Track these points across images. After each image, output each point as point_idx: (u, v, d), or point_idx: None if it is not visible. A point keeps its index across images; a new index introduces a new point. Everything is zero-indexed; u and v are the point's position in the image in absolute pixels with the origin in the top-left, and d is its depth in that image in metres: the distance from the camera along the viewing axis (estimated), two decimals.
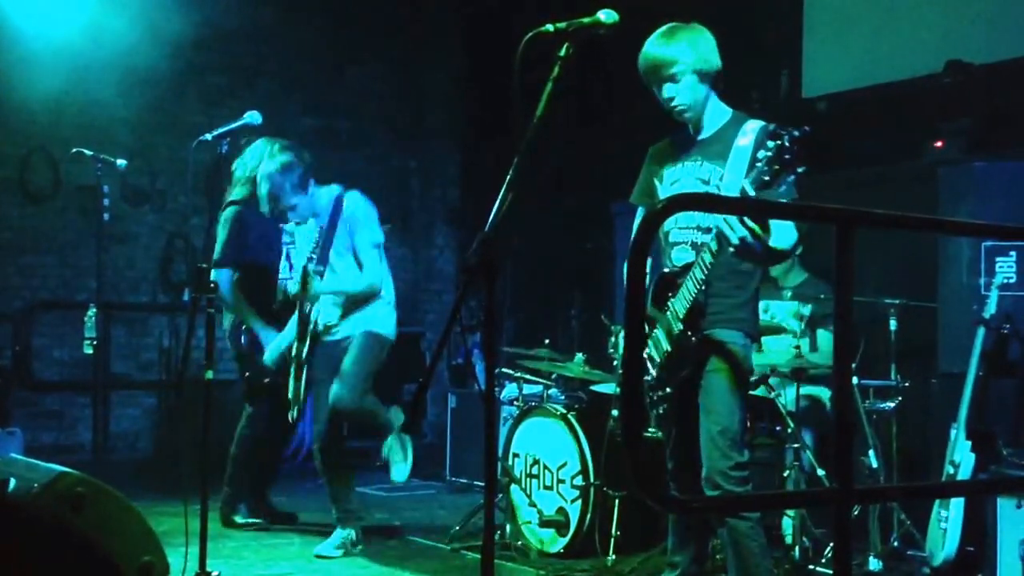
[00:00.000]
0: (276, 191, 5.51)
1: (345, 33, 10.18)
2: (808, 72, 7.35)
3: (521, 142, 3.05)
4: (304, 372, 5.64)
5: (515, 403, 6.35)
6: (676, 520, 4.28)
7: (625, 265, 1.96)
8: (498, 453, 5.88)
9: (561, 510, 5.63)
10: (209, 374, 4.54)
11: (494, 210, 2.99)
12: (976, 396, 4.93)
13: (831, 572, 4.87)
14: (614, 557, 5.28)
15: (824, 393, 5.77)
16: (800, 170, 3.52)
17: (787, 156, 3.48)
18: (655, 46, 3.98)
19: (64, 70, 8.71)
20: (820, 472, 5.14)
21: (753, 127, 3.96)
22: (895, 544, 5.32)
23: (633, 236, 1.92)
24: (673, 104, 4.00)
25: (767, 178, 3.51)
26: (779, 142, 3.49)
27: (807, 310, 5.84)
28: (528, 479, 5.84)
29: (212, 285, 4.63)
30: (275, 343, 5.91)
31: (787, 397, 5.31)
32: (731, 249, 3.70)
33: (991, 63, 6.25)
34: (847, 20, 7.23)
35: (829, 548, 5.06)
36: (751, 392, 5.28)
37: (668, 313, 3.96)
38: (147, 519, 3.27)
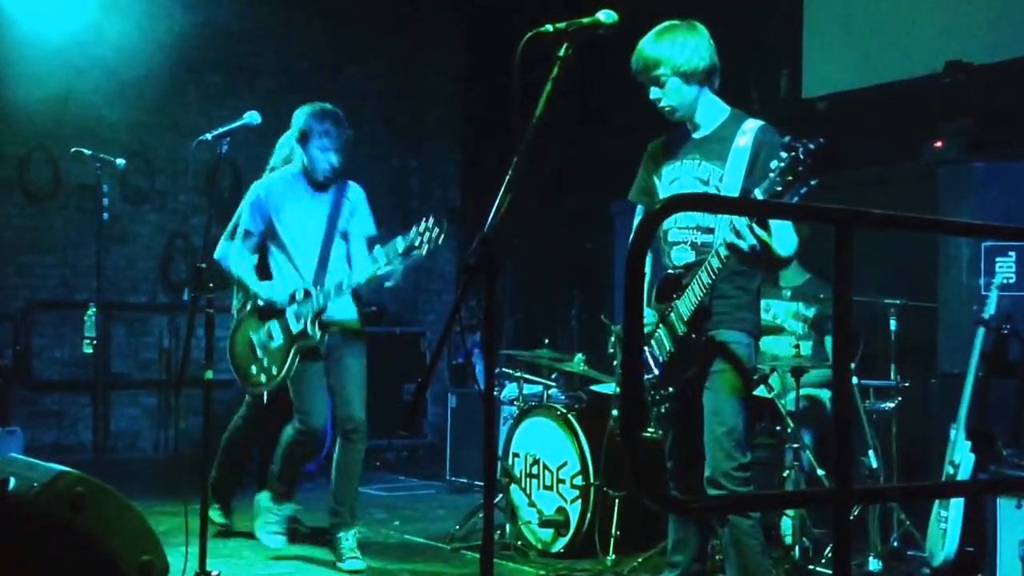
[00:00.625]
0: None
1: (345, 33, 10.19)
2: (808, 72, 7.35)
3: (521, 142, 3.05)
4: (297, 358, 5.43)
5: (515, 403, 6.35)
6: (676, 520, 4.28)
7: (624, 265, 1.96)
8: (498, 453, 5.88)
9: (561, 510, 5.63)
10: (209, 374, 4.54)
11: (494, 210, 2.99)
12: (976, 396, 4.93)
13: (831, 572, 4.87)
14: (614, 557, 5.28)
15: (824, 394, 5.77)
16: (813, 183, 3.52)
17: (800, 168, 3.49)
18: (643, 47, 3.99)
19: (64, 70, 8.72)
20: (820, 472, 5.14)
21: (752, 126, 3.96)
22: (895, 544, 5.32)
23: (632, 235, 1.92)
24: (660, 105, 4.02)
25: (779, 188, 3.52)
26: (793, 154, 3.49)
27: (810, 311, 5.85)
28: (528, 479, 5.85)
29: (212, 285, 4.63)
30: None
31: (787, 397, 5.31)
32: (739, 258, 3.73)
33: (991, 63, 6.25)
34: (847, 20, 7.23)
35: (829, 548, 5.06)
36: (752, 392, 5.30)
37: (672, 314, 3.96)
38: (147, 519, 3.28)
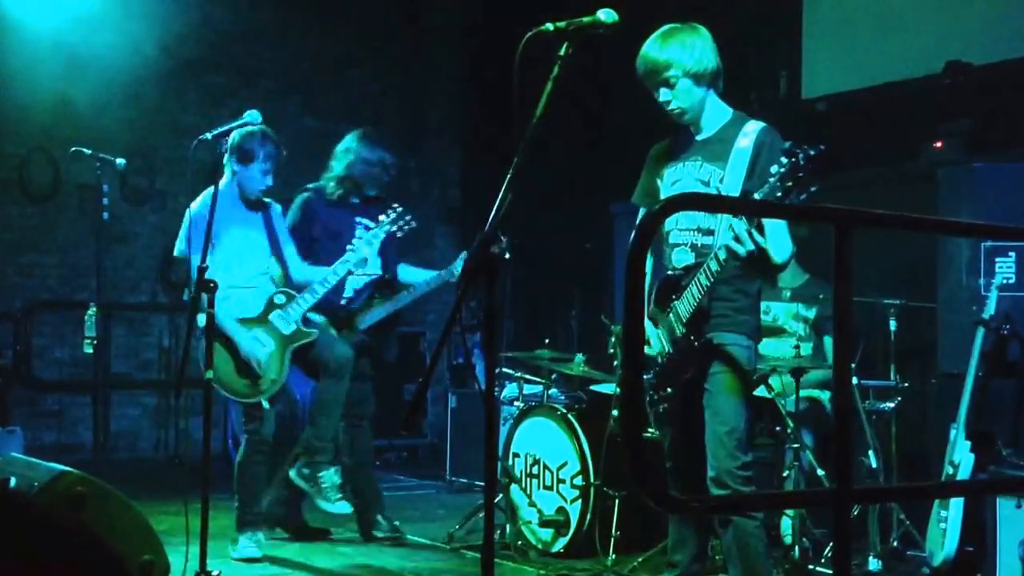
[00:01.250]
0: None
1: (345, 34, 10.19)
2: (808, 73, 7.36)
3: (521, 142, 3.05)
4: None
5: (515, 403, 6.36)
6: (676, 520, 4.29)
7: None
8: (498, 453, 5.88)
9: (561, 510, 5.64)
10: (209, 374, 4.55)
11: (494, 210, 2.99)
12: (975, 396, 4.93)
13: (831, 572, 4.88)
14: (614, 557, 5.28)
15: (824, 394, 5.77)
16: (813, 189, 3.53)
17: (800, 174, 3.50)
18: (650, 50, 3.98)
19: (64, 70, 8.73)
20: (820, 472, 5.15)
21: (753, 128, 3.97)
22: (895, 544, 5.32)
23: (633, 236, 1.92)
24: (670, 108, 4.01)
25: (779, 194, 3.53)
26: (793, 160, 3.51)
27: (810, 312, 5.85)
28: (528, 479, 5.85)
29: (212, 285, 4.63)
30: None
31: (787, 397, 5.31)
32: (736, 263, 3.75)
33: (990, 64, 6.26)
34: (847, 21, 7.24)
35: (829, 548, 5.06)
36: (752, 392, 5.30)
37: (671, 315, 3.97)
38: (148, 518, 3.29)
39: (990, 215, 5.30)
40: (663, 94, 3.99)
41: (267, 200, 5.67)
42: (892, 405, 5.37)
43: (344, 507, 5.50)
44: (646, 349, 4.09)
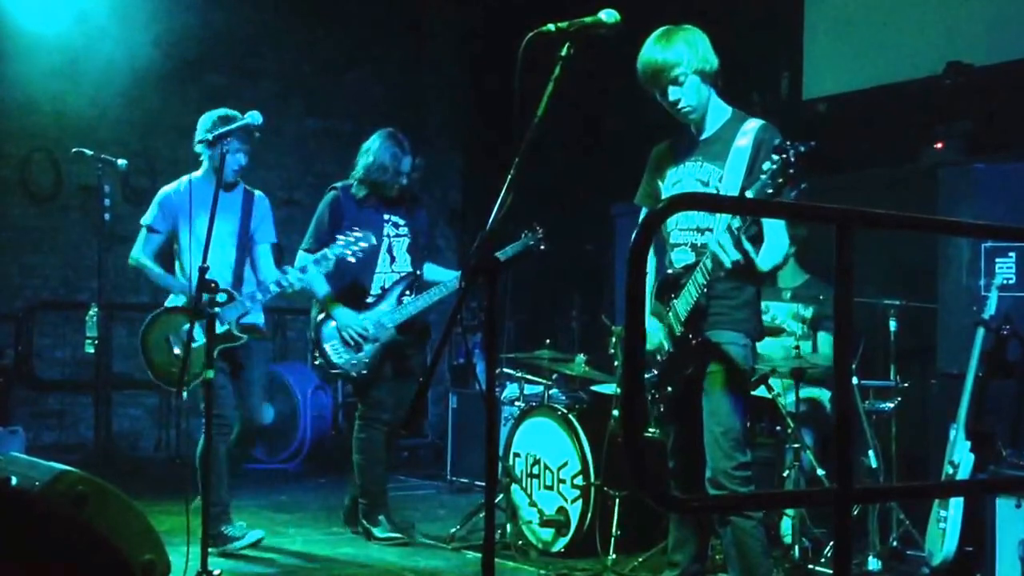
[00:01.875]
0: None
1: (346, 35, 10.20)
2: (809, 74, 7.37)
3: (522, 143, 3.06)
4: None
5: (516, 403, 6.37)
6: (676, 520, 4.30)
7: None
8: (499, 453, 5.89)
9: (562, 510, 5.64)
10: (210, 374, 4.55)
11: (495, 210, 3.00)
12: (975, 396, 4.94)
13: (831, 572, 4.88)
14: (614, 557, 5.29)
15: (824, 394, 5.78)
16: (803, 186, 3.54)
17: (791, 171, 3.50)
18: (654, 51, 3.97)
19: (66, 71, 8.74)
20: (820, 472, 5.15)
21: (752, 127, 3.97)
22: (894, 544, 5.33)
23: (634, 235, 1.93)
24: (680, 107, 4.00)
25: (770, 191, 3.53)
26: (784, 156, 3.51)
27: (808, 312, 5.86)
28: (529, 479, 5.86)
29: (213, 285, 4.64)
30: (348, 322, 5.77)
31: (787, 397, 5.32)
32: (722, 273, 3.77)
33: (991, 65, 6.27)
34: (847, 22, 7.25)
35: (828, 548, 5.07)
36: (752, 392, 5.31)
37: (670, 314, 3.98)
38: (148, 518, 3.30)
39: (990, 215, 5.31)
40: (672, 93, 3.98)
41: (253, 191, 5.66)
42: (892, 405, 5.38)
43: (257, 533, 5.56)
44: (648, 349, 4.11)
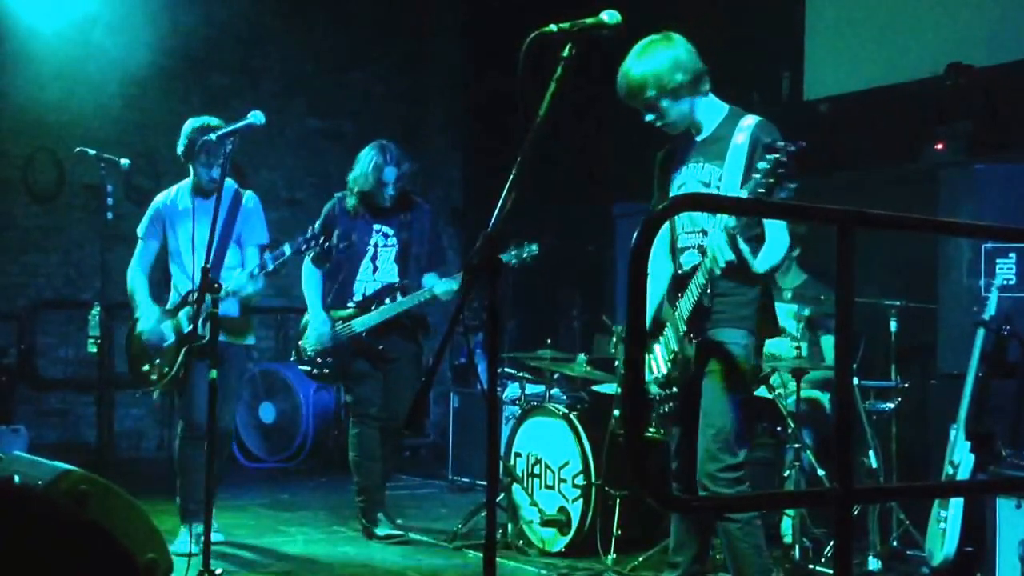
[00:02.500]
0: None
1: (348, 34, 10.21)
2: (810, 74, 7.38)
3: (524, 143, 3.07)
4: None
5: (517, 403, 6.38)
6: (678, 520, 4.30)
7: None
8: (500, 453, 5.90)
9: (563, 509, 5.65)
10: (213, 374, 4.56)
11: (497, 210, 3.01)
12: (976, 397, 4.95)
13: (831, 572, 4.89)
14: (615, 556, 5.30)
15: (824, 395, 5.79)
16: (792, 185, 3.57)
17: (781, 170, 3.52)
18: (627, 70, 4.01)
19: (68, 70, 8.75)
20: (820, 472, 5.16)
21: (749, 123, 3.97)
22: (894, 544, 5.33)
23: (636, 236, 1.94)
24: (658, 126, 4.06)
25: (762, 190, 3.55)
26: (776, 156, 3.53)
27: (807, 312, 5.86)
28: (530, 478, 5.87)
29: (216, 286, 4.65)
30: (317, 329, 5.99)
31: (787, 397, 5.33)
32: (718, 272, 3.77)
33: (991, 65, 6.27)
34: (849, 23, 7.25)
35: (829, 548, 5.08)
36: (753, 392, 5.31)
37: (676, 313, 3.99)
38: (151, 517, 3.31)
39: (991, 216, 5.31)
40: (647, 115, 4.05)
41: (243, 192, 5.66)
42: (892, 405, 5.39)
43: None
44: (657, 348, 4.12)
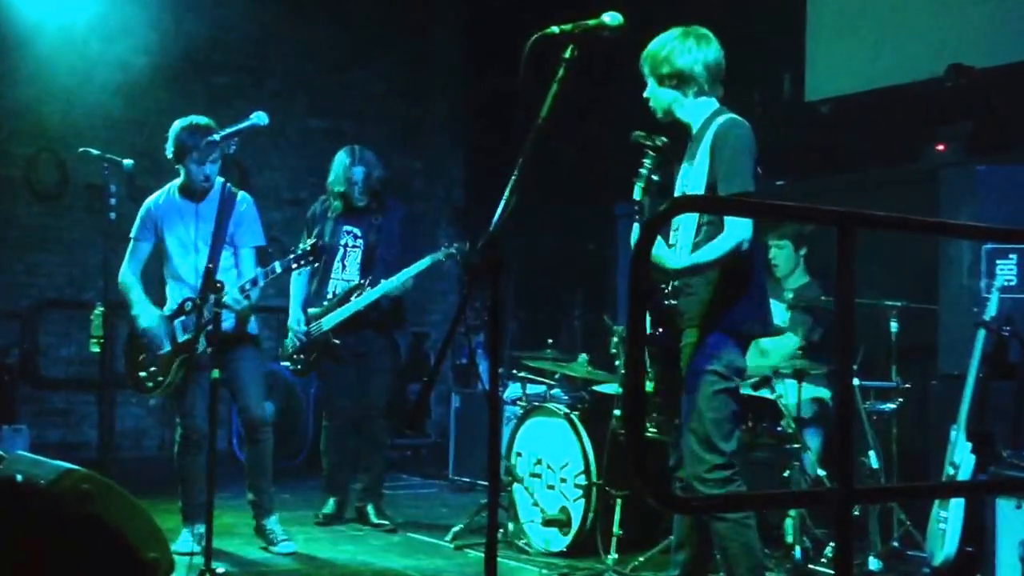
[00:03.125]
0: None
1: (350, 34, 10.22)
2: (811, 75, 7.38)
3: (525, 143, 3.08)
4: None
5: (518, 403, 6.39)
6: (679, 519, 4.31)
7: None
8: (501, 452, 5.91)
9: (564, 509, 5.66)
10: (215, 373, 4.57)
11: (498, 211, 3.02)
12: (976, 398, 4.95)
13: (831, 572, 4.90)
14: (616, 556, 5.30)
15: (826, 394, 5.79)
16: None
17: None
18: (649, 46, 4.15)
19: (72, 70, 8.76)
20: (821, 472, 5.17)
21: (719, 122, 4.01)
22: (895, 544, 5.34)
23: (638, 236, 1.96)
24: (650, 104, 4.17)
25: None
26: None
27: (809, 313, 5.87)
28: (531, 478, 5.88)
29: (219, 285, 4.67)
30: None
31: (789, 398, 5.34)
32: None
33: (992, 67, 6.28)
34: (850, 24, 7.26)
35: (829, 548, 5.09)
36: (754, 393, 5.33)
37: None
38: (152, 516, 3.32)
39: (991, 217, 5.31)
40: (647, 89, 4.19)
41: (236, 193, 5.59)
42: (893, 406, 5.39)
43: (290, 546, 5.61)
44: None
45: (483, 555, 3.09)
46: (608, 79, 7.87)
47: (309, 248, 5.40)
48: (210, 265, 4.66)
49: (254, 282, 5.37)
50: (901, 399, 5.41)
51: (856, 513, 5.11)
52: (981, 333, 5.01)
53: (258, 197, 6.02)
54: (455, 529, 5.89)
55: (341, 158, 6.31)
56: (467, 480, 7.59)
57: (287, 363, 6.39)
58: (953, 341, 5.48)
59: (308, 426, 8.68)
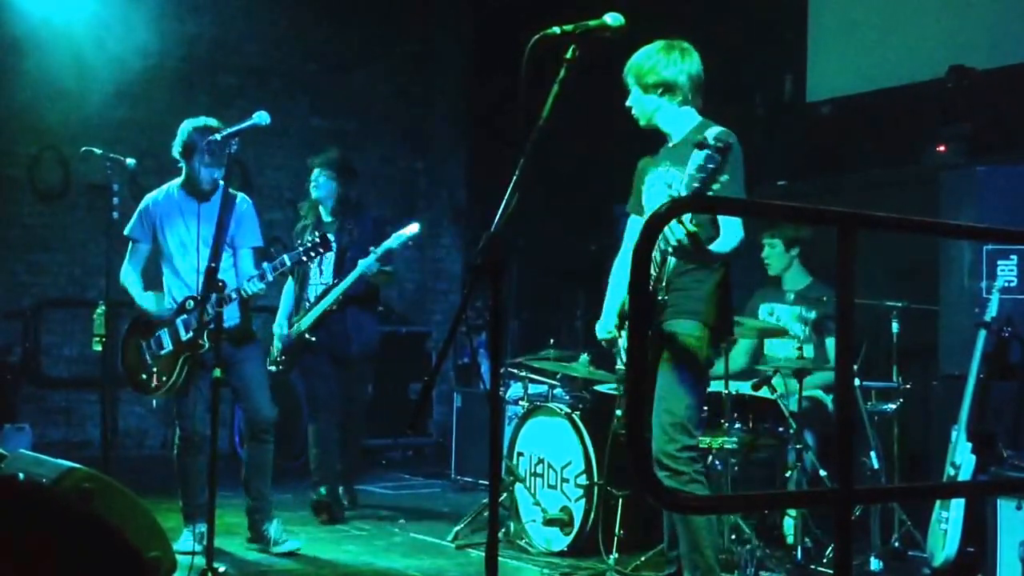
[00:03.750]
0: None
1: (352, 34, 10.23)
2: (812, 76, 7.39)
3: (527, 143, 3.09)
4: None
5: (520, 402, 6.39)
6: (668, 516, 4.42)
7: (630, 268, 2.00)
8: (503, 452, 5.92)
9: (565, 509, 5.67)
10: (217, 373, 4.58)
11: (500, 210, 3.03)
12: (977, 398, 4.96)
13: (832, 572, 4.91)
14: (617, 556, 5.31)
15: (827, 396, 5.80)
16: (723, 178, 3.73)
17: (711, 165, 3.70)
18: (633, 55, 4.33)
19: (74, 69, 8.77)
20: (822, 472, 5.18)
21: (710, 132, 4.04)
22: (896, 544, 5.35)
23: (638, 238, 1.97)
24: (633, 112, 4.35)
25: (697, 185, 3.72)
26: (707, 152, 3.71)
27: (811, 314, 5.88)
28: (532, 478, 5.88)
29: (220, 284, 4.67)
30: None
31: (790, 398, 5.35)
32: (669, 249, 3.92)
33: (993, 68, 6.29)
34: (851, 25, 7.27)
35: (830, 548, 5.10)
36: (755, 394, 5.34)
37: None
38: (154, 515, 3.34)
39: (992, 218, 5.32)
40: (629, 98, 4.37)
41: (236, 194, 5.61)
42: (894, 406, 5.40)
43: (294, 544, 5.64)
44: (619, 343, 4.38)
45: (484, 555, 3.09)
46: (610, 80, 7.88)
47: (319, 239, 5.41)
48: (212, 265, 4.67)
49: (262, 276, 5.36)
50: (902, 399, 5.41)
51: (857, 513, 5.12)
52: (982, 334, 5.02)
53: (260, 197, 6.05)
54: (457, 529, 5.90)
55: (313, 168, 6.66)
56: (469, 480, 7.60)
57: (272, 367, 6.48)
58: (954, 342, 5.49)
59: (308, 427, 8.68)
